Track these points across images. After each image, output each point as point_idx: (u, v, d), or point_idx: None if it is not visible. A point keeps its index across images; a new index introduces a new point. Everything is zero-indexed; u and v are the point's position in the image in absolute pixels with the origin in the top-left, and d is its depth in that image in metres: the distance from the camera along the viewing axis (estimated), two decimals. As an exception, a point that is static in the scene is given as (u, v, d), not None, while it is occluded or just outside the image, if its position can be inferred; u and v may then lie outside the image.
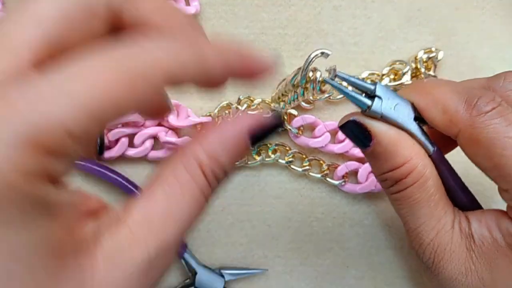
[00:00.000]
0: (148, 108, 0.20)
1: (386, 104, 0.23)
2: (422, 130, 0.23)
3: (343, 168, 0.33)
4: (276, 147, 0.34)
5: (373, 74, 0.34)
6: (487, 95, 0.22)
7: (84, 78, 0.15)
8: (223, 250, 0.34)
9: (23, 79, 0.15)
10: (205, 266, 0.33)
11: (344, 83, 0.24)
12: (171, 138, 0.32)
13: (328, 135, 0.34)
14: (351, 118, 0.23)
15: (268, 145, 0.34)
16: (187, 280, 0.33)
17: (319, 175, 0.34)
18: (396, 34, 0.35)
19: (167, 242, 0.18)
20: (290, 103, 0.27)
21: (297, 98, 0.25)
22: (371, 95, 0.23)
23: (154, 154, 0.33)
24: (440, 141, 0.25)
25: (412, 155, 0.23)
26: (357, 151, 0.34)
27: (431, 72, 0.34)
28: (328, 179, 0.34)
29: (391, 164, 0.23)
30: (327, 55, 0.23)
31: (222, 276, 0.33)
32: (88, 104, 0.15)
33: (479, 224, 0.23)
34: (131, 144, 0.33)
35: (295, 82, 0.25)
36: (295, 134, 0.33)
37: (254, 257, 0.34)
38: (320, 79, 0.24)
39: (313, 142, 0.33)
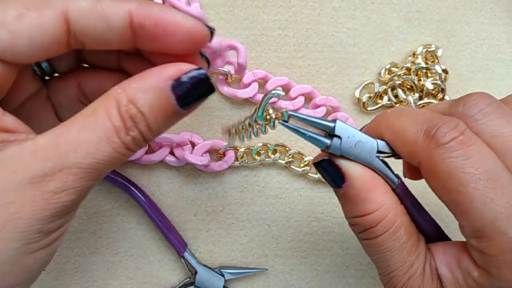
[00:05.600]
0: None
1: (346, 142, 0.22)
2: (385, 164, 0.23)
3: None
4: (276, 148, 0.34)
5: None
6: (447, 124, 0.21)
7: None
8: (223, 249, 0.34)
9: None
10: (205, 265, 0.33)
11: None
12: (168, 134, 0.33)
13: (256, 85, 0.34)
14: (325, 157, 0.23)
15: (268, 145, 0.34)
16: (188, 279, 0.33)
17: (317, 176, 0.34)
18: (395, 35, 0.36)
19: (66, 166, 0.18)
20: (243, 138, 0.27)
21: (256, 133, 0.25)
22: (331, 134, 0.22)
23: (147, 158, 0.33)
24: (413, 168, 0.24)
25: (384, 202, 0.22)
26: (305, 112, 0.33)
27: (436, 66, 0.35)
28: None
29: (361, 209, 0.22)
30: (279, 95, 0.23)
31: (222, 275, 0.33)
32: None
33: (442, 263, 0.22)
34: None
35: (255, 119, 0.25)
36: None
37: (254, 257, 0.34)
38: (274, 116, 0.23)
39: (241, 93, 0.33)
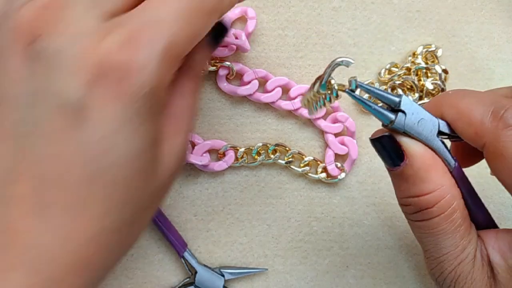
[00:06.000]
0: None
1: (409, 119, 0.22)
2: (444, 145, 0.22)
3: (330, 153, 0.34)
4: (276, 148, 0.34)
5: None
6: None
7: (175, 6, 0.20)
8: (223, 249, 0.34)
9: (141, 11, 0.20)
10: (205, 265, 0.33)
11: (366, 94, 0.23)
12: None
13: (256, 82, 0.34)
14: (386, 133, 0.22)
15: (268, 145, 0.34)
16: (187, 279, 0.33)
17: (317, 176, 0.34)
18: (395, 35, 0.36)
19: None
20: (316, 109, 0.26)
21: (323, 104, 0.25)
22: (395, 109, 0.22)
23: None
24: (466, 154, 0.25)
25: (442, 183, 0.22)
26: (304, 112, 0.34)
27: (436, 66, 0.35)
28: (327, 179, 0.34)
29: (418, 189, 0.22)
30: (349, 63, 0.22)
31: (222, 275, 0.33)
32: (184, 20, 0.20)
33: (494, 250, 0.22)
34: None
35: (316, 90, 0.24)
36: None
37: (254, 256, 0.34)
38: (337, 87, 0.23)
39: (242, 90, 0.33)
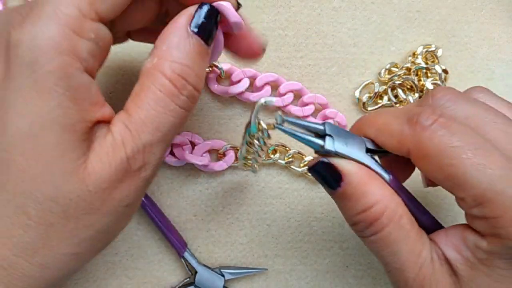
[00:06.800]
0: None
1: (338, 141, 0.23)
2: (375, 161, 0.24)
3: None
4: (276, 148, 0.34)
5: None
6: (425, 111, 0.22)
7: None
8: (223, 249, 0.34)
9: None
10: (205, 265, 0.33)
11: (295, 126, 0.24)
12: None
13: (247, 80, 0.33)
14: (320, 159, 0.23)
15: (268, 145, 0.34)
16: (187, 279, 0.33)
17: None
18: (395, 35, 0.36)
19: (143, 144, 0.21)
20: (258, 154, 0.28)
21: (263, 145, 0.26)
22: (322, 135, 0.23)
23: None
24: (398, 169, 0.26)
25: (383, 193, 0.23)
26: (293, 109, 0.34)
27: (436, 66, 0.35)
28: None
29: (362, 204, 0.23)
30: (271, 102, 0.24)
31: (222, 275, 0.33)
32: None
33: (447, 247, 0.23)
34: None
35: (250, 134, 0.25)
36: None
37: (254, 256, 0.34)
38: (266, 127, 0.24)
39: (232, 89, 0.33)
